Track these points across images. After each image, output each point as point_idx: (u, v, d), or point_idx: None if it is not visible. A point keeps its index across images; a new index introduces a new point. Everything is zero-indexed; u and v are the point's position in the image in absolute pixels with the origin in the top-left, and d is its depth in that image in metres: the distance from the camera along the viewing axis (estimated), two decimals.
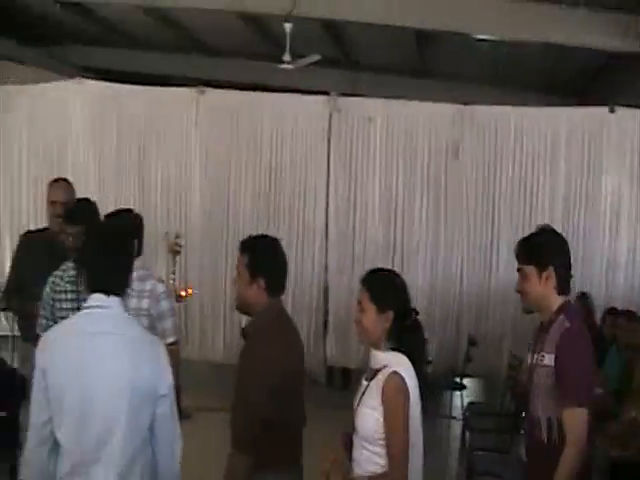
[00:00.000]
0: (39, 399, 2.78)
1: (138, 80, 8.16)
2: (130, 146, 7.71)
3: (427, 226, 7.37)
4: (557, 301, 3.27)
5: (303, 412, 3.36)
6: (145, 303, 4.08)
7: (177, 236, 7.01)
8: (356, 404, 2.96)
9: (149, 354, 2.89)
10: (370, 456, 2.88)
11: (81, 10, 9.80)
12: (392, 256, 7.46)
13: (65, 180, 5.22)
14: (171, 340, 4.08)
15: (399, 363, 2.92)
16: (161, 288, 4.18)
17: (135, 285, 4.12)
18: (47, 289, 4.33)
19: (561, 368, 3.12)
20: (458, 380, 7.10)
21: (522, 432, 3.54)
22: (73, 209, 4.44)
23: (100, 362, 2.77)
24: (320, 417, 3.31)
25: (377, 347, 2.98)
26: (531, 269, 3.26)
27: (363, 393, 2.94)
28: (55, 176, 7.56)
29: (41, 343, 2.84)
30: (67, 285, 4.33)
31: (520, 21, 7.77)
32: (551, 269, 3.23)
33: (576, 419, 3.07)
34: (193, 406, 4.00)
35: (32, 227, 5.83)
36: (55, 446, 2.79)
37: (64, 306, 4.30)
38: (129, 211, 4.55)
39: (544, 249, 3.29)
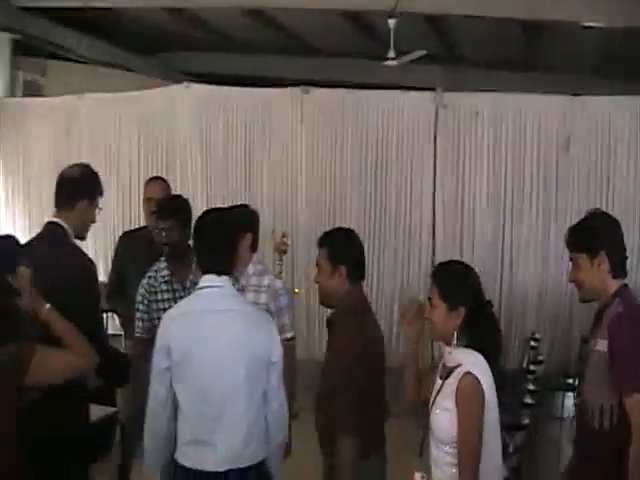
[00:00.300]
0: (161, 375, 3.00)
1: (240, 83, 8.26)
2: (236, 147, 7.79)
3: (537, 223, 7.12)
4: (613, 285, 3.12)
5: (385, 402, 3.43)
6: (263, 298, 4.11)
7: (284, 235, 7.02)
8: (430, 403, 2.90)
9: (261, 325, 3.16)
10: (445, 456, 2.82)
11: (184, 15, 9.99)
12: (501, 256, 7.24)
13: (161, 178, 5.28)
14: (289, 335, 4.17)
15: (473, 362, 2.81)
16: (279, 284, 4.24)
17: (253, 280, 4.16)
18: (142, 290, 4.37)
19: (615, 354, 2.97)
20: (570, 381, 6.84)
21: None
22: (165, 204, 4.47)
23: (218, 336, 3.00)
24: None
25: (449, 344, 2.89)
26: (582, 257, 3.13)
27: (438, 392, 2.87)
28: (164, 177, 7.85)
29: (162, 323, 3.10)
30: (162, 285, 4.36)
31: (632, 7, 7.43)
32: (603, 254, 3.09)
33: (638, 406, 2.90)
34: (300, 406, 3.96)
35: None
36: (176, 416, 3.04)
37: (160, 306, 4.33)
38: (246, 206, 4.58)
39: (593, 234, 3.15)
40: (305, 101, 7.61)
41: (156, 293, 4.35)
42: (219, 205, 7.27)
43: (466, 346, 2.86)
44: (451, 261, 3.24)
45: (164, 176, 7.75)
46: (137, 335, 4.41)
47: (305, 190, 7.59)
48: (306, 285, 7.41)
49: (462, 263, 3.13)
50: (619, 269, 3.15)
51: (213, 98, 7.85)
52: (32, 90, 9.48)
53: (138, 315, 4.38)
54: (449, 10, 8.25)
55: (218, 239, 3.12)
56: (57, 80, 9.65)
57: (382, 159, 7.41)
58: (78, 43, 9.96)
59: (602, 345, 3.02)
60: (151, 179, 5.35)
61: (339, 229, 3.66)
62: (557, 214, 7.11)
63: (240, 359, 3.00)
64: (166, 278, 4.36)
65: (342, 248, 3.39)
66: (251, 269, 4.20)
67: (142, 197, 5.19)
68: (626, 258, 3.20)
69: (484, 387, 2.77)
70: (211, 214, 3.33)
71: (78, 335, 2.77)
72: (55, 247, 3.46)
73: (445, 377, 2.87)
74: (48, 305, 2.79)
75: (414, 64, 9.65)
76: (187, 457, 3.03)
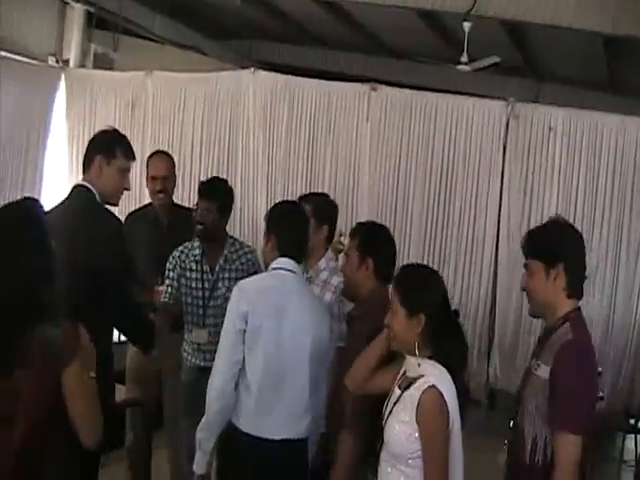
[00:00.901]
0: (234, 340, 3.20)
1: (310, 76, 8.11)
2: (299, 138, 7.62)
3: (607, 246, 6.78)
4: (565, 306, 2.86)
5: None
6: (328, 296, 3.96)
7: (340, 234, 6.83)
8: (386, 412, 2.72)
9: (324, 315, 3.42)
10: (396, 475, 2.64)
11: (261, 4, 9.89)
12: None
13: (166, 153, 5.15)
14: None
15: (437, 375, 2.62)
16: None
17: (323, 275, 3.99)
18: (173, 260, 4.29)
19: (557, 386, 2.72)
20: (633, 422, 6.49)
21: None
22: (208, 185, 4.39)
23: (291, 316, 3.23)
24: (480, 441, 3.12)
25: (411, 353, 2.70)
26: (538, 265, 2.85)
27: (395, 403, 2.69)
28: (226, 162, 7.79)
29: (238, 292, 3.29)
30: (192, 264, 4.28)
31: None
32: (560, 267, 2.81)
33: (568, 448, 2.67)
34: None
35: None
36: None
37: (187, 284, 4.26)
38: (325, 195, 4.48)
39: (554, 243, 2.87)
40: (372, 98, 7.40)
41: (185, 269, 4.30)
42: (279, 196, 7.20)
43: (429, 357, 2.67)
44: (416, 265, 3.09)
45: (225, 161, 7.77)
46: (164, 300, 4.35)
47: (367, 190, 7.38)
48: None
49: (427, 267, 2.99)
50: (575, 289, 2.89)
51: (279, 86, 7.70)
52: (103, 63, 9.48)
53: (167, 282, 4.35)
54: (528, 18, 7.94)
55: (302, 228, 3.38)
56: (128, 56, 9.64)
57: (448, 165, 7.17)
58: (152, 22, 9.96)
59: (544, 371, 2.78)
60: (155, 154, 5.18)
61: (374, 222, 3.63)
62: (629, 242, 6.76)
63: (307, 337, 3.24)
64: (197, 257, 4.31)
65: (373, 240, 3.30)
66: (323, 264, 4.07)
67: (146, 172, 5.00)
68: (584, 279, 2.93)
69: (448, 404, 2.58)
70: (294, 202, 3.69)
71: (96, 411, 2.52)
72: (81, 210, 3.35)
73: (405, 388, 2.68)
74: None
75: (486, 73, 9.40)
76: (248, 424, 3.22)
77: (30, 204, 2.60)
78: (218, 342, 3.53)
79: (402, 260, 7.07)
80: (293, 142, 7.64)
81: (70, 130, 8.31)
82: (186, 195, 7.86)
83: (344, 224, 7.30)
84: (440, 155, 7.18)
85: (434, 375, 2.61)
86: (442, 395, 2.57)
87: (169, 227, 4.90)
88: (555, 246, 2.84)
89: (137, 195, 6.70)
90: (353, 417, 3.02)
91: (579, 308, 2.89)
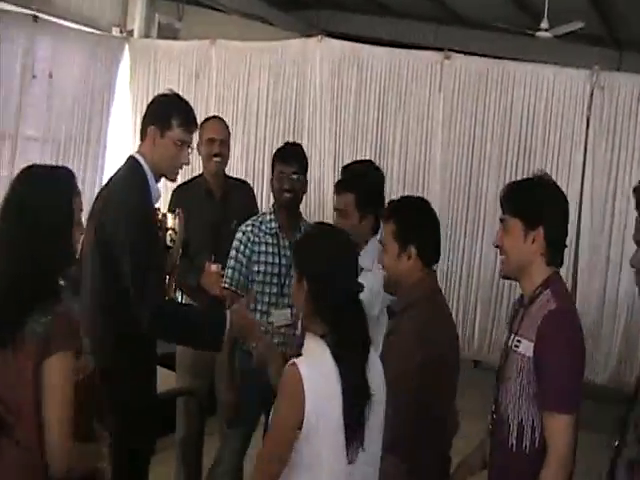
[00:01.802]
0: None
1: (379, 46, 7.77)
2: (368, 109, 7.30)
3: None
4: (543, 272, 2.56)
5: (456, 416, 3.01)
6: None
7: None
8: None
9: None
10: None
11: None
12: None
13: (220, 118, 4.85)
14: None
15: (310, 354, 2.30)
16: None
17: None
18: (241, 236, 3.93)
19: (543, 363, 2.44)
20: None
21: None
22: (291, 149, 4.06)
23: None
24: None
25: (308, 329, 2.37)
26: (517, 223, 2.57)
27: None
28: (292, 133, 7.55)
29: None
30: (268, 237, 3.94)
31: None
32: (540, 230, 2.53)
33: (560, 427, 2.41)
34: None
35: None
36: None
37: (262, 259, 3.90)
38: (371, 162, 4.12)
39: (537, 202, 2.57)
40: (445, 67, 7.03)
41: (259, 244, 3.94)
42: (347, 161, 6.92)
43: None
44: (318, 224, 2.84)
45: (291, 133, 7.53)
46: (226, 286, 4.01)
47: (439, 164, 7.03)
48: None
49: (323, 224, 2.78)
50: (555, 255, 2.60)
51: (347, 55, 7.38)
52: (167, 33, 9.36)
53: (231, 264, 3.94)
54: None
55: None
56: (193, 26, 9.49)
57: (526, 139, 6.75)
58: None
59: (526, 348, 2.48)
60: (211, 117, 4.87)
61: (410, 198, 3.15)
62: None
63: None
64: (274, 230, 3.95)
65: (414, 222, 2.88)
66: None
67: (198, 138, 4.63)
68: (564, 247, 2.64)
69: (308, 390, 2.19)
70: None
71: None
72: (118, 184, 3.07)
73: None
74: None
75: (565, 42, 8.92)
76: None
77: (65, 177, 2.36)
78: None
79: (477, 242, 6.81)
80: (361, 113, 7.32)
81: (134, 100, 8.17)
82: (250, 167, 7.70)
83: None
84: (518, 128, 6.77)
85: (307, 354, 2.29)
86: (300, 377, 2.19)
87: (222, 199, 4.58)
88: (538, 206, 2.54)
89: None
90: (398, 436, 2.62)
91: (557, 273, 2.61)
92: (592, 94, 6.55)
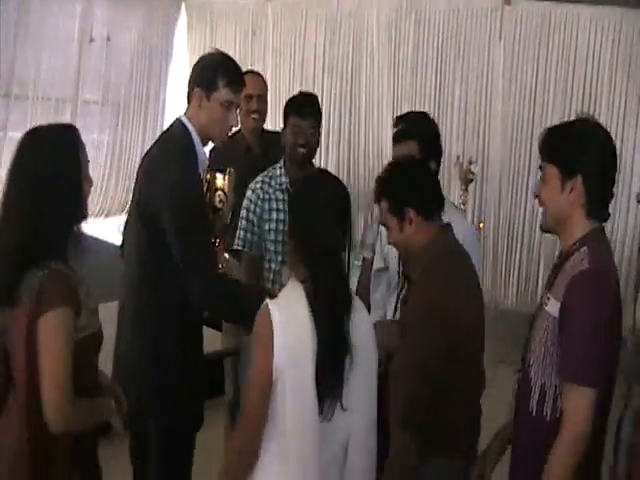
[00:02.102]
0: None
1: None
2: (426, 59, 7.17)
3: None
4: (582, 227, 2.27)
5: (483, 383, 2.76)
6: None
7: (470, 162, 6.39)
8: None
9: None
10: None
11: None
12: None
13: (256, 72, 4.63)
14: None
15: (285, 295, 2.19)
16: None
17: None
18: (251, 194, 3.76)
19: (565, 327, 2.18)
20: None
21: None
22: (306, 101, 3.81)
23: None
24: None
25: (292, 275, 2.26)
26: (553, 170, 2.28)
27: None
28: (349, 88, 7.46)
29: None
30: (278, 194, 3.75)
31: None
32: (579, 178, 2.23)
33: (578, 401, 2.14)
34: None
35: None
36: None
37: (273, 217, 3.74)
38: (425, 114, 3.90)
39: (574, 147, 2.26)
40: (506, 13, 6.82)
41: (269, 201, 3.68)
42: None
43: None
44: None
45: (348, 87, 7.44)
46: (238, 248, 3.87)
47: (500, 114, 6.86)
48: (494, 221, 6.81)
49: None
50: (596, 208, 2.29)
51: (404, 5, 7.23)
52: None
53: (242, 224, 3.69)
54: None
55: None
56: None
57: (591, 85, 6.51)
58: None
59: (553, 307, 2.24)
60: (248, 72, 4.65)
61: (390, 168, 2.84)
62: None
63: None
64: (284, 186, 3.75)
65: (401, 189, 2.66)
66: None
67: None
68: (610, 197, 2.34)
69: (277, 332, 2.10)
70: None
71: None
72: (162, 149, 2.95)
73: None
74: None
75: None
76: None
77: (69, 132, 2.32)
78: None
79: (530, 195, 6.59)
80: (419, 66, 7.20)
81: (191, 60, 8.15)
82: None
83: (475, 152, 6.87)
84: (582, 74, 6.54)
85: (282, 295, 2.19)
86: (271, 321, 2.10)
87: (263, 155, 4.44)
88: (575, 152, 2.27)
89: None
90: (413, 410, 2.47)
91: (602, 229, 2.33)
92: None
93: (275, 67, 7.67)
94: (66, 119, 6.73)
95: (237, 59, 8.13)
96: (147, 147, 3.01)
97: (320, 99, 7.45)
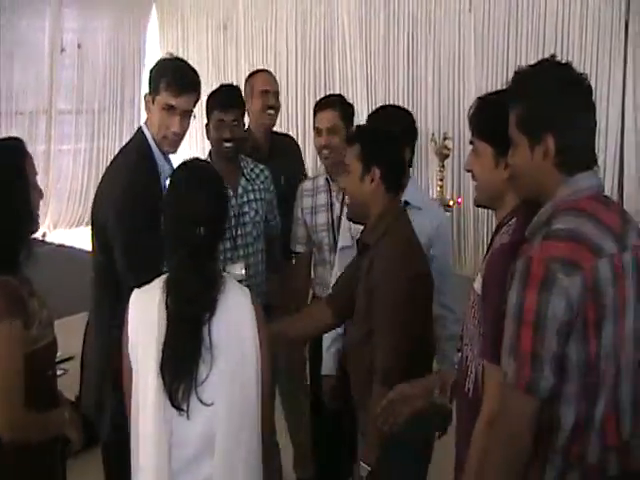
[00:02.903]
0: None
1: None
2: (398, 39, 7.15)
3: None
4: (516, 199, 2.15)
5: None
6: None
7: (445, 138, 6.38)
8: None
9: None
10: None
11: None
12: None
13: (269, 71, 4.62)
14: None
15: (147, 286, 2.19)
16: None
17: None
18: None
19: (483, 302, 2.06)
20: None
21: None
22: (226, 92, 3.74)
23: None
24: None
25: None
26: (486, 147, 2.18)
27: None
28: (322, 76, 7.44)
29: None
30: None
31: None
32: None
33: (493, 381, 1.98)
34: None
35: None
36: None
37: None
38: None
39: (505, 124, 2.07)
40: None
41: None
42: (380, 104, 6.80)
43: None
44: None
45: (322, 75, 7.43)
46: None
47: (474, 89, 6.83)
48: (473, 194, 6.75)
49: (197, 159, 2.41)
50: None
51: None
52: None
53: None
54: None
55: None
56: None
57: (562, 54, 6.40)
58: None
59: (478, 283, 2.13)
60: (260, 71, 4.66)
61: (376, 123, 2.92)
62: None
63: None
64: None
65: (378, 145, 2.66)
66: None
67: (249, 92, 4.47)
68: None
69: (130, 311, 2.15)
70: None
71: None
72: (115, 159, 2.90)
73: None
74: None
75: None
76: None
77: (13, 144, 2.33)
78: (253, 277, 3.31)
79: None
80: (392, 46, 7.18)
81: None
82: (284, 115, 7.64)
83: (451, 126, 6.84)
84: (553, 43, 6.48)
85: (145, 287, 2.19)
86: (129, 304, 2.14)
87: (270, 154, 4.44)
88: (507, 129, 2.08)
89: None
90: (391, 368, 2.53)
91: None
92: None
93: (248, 60, 7.67)
94: (41, 131, 6.76)
95: (210, 54, 8.18)
96: None
97: (295, 88, 7.50)
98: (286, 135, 4.77)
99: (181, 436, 2.05)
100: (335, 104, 3.61)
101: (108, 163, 3.07)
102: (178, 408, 2.03)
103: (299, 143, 6.95)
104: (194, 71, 2.96)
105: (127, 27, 7.78)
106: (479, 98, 2.24)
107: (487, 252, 2.23)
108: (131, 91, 7.79)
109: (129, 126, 7.64)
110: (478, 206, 2.40)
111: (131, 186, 2.72)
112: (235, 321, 2.16)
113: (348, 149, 2.68)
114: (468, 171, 2.27)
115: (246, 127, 4.09)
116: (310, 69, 7.57)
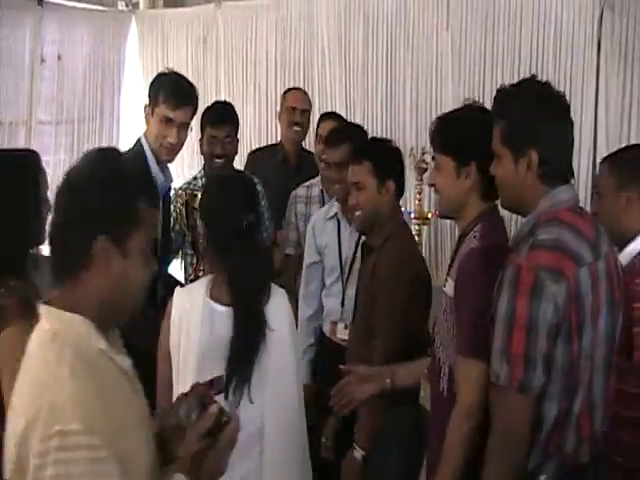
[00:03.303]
0: None
1: None
2: (377, 56, 7.25)
3: None
4: (478, 208, 2.41)
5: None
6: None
7: (423, 152, 6.47)
8: None
9: None
10: None
11: None
12: None
13: (302, 90, 4.77)
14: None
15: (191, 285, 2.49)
16: None
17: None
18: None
19: (457, 303, 2.28)
20: None
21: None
22: (221, 109, 3.87)
23: None
24: None
25: None
26: (446, 160, 2.42)
27: None
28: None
29: None
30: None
31: None
32: (473, 166, 2.38)
33: (467, 373, 2.18)
34: None
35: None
36: None
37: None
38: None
39: (466, 136, 2.39)
40: (452, 4, 6.91)
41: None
42: (358, 118, 6.91)
43: None
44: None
45: (302, 86, 7.50)
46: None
47: (451, 104, 6.90)
48: None
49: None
50: (491, 190, 2.41)
51: (352, 3, 7.31)
52: (174, 2, 9.29)
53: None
54: None
55: None
56: None
57: (536, 67, 6.48)
58: None
59: (450, 287, 2.32)
60: (293, 89, 4.82)
61: (374, 139, 3.28)
62: None
63: None
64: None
65: (390, 160, 2.90)
66: None
67: (280, 107, 4.61)
68: None
69: (173, 309, 2.36)
70: None
71: None
72: None
73: None
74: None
75: None
76: None
77: (29, 157, 2.42)
78: None
79: None
80: (370, 60, 7.28)
81: (144, 73, 8.19)
82: (264, 128, 7.71)
83: (429, 141, 6.90)
84: (528, 60, 6.63)
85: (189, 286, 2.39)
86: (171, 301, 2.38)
87: (297, 169, 4.56)
88: (465, 141, 2.37)
89: None
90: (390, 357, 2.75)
91: (495, 207, 2.43)
92: (602, 16, 6.34)
93: (228, 74, 7.74)
94: (20, 142, 6.75)
95: (189, 67, 8.23)
96: None
97: (274, 104, 7.62)
98: (310, 152, 4.86)
99: None
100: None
101: None
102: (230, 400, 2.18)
103: None
104: (191, 85, 3.10)
105: (107, 39, 7.81)
106: (438, 117, 2.45)
107: (452, 260, 2.38)
108: (110, 102, 7.83)
109: (108, 137, 7.67)
110: (441, 217, 2.60)
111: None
112: (279, 309, 2.26)
113: (355, 167, 2.83)
114: (431, 185, 2.46)
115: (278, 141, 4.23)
116: (290, 83, 7.65)
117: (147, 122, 3.04)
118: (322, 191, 3.88)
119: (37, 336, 1.63)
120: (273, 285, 2.38)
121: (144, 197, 1.71)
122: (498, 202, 2.43)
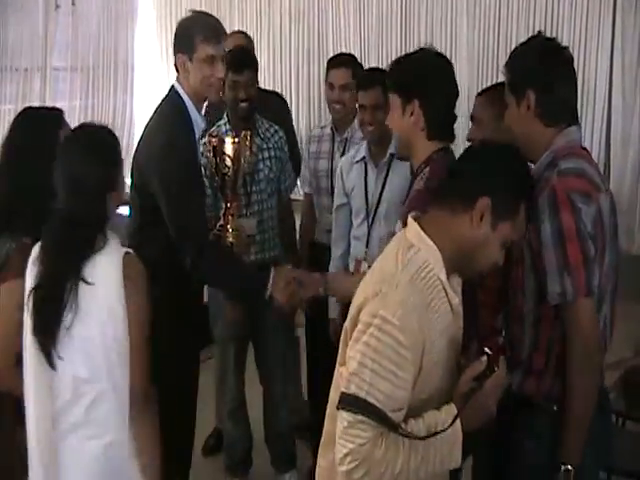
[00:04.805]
0: None
1: None
2: (392, 3, 7.24)
3: None
4: (426, 148, 2.37)
5: None
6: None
7: None
8: None
9: None
10: None
11: None
12: None
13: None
14: None
15: None
16: None
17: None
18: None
19: None
20: None
21: None
22: (240, 54, 3.81)
23: None
24: None
25: None
26: (395, 98, 2.39)
27: None
28: (316, 37, 7.53)
29: None
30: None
31: None
32: (416, 103, 2.33)
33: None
34: None
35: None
36: None
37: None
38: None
39: (410, 74, 2.36)
40: None
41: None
42: (373, 61, 6.96)
43: None
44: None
45: (316, 30, 7.53)
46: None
47: (465, 49, 6.97)
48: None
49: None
50: (438, 130, 2.37)
51: None
52: None
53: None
54: None
55: None
56: None
57: (552, 13, 6.57)
58: None
59: (398, 228, 2.26)
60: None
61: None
62: None
63: None
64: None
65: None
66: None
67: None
68: (450, 121, 2.42)
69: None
70: None
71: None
72: (155, 118, 2.97)
73: None
74: None
75: None
76: None
77: (52, 114, 2.52)
78: (265, 231, 3.55)
79: None
80: (385, 10, 7.29)
81: (158, 18, 8.18)
82: (278, 76, 7.72)
83: None
84: (543, 9, 6.60)
85: None
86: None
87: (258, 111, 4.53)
88: (410, 79, 2.36)
89: None
90: None
91: (447, 149, 2.41)
92: None
93: (242, 25, 7.70)
94: (36, 88, 6.77)
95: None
96: (118, 110, 3.11)
97: (288, 49, 7.58)
98: (273, 92, 4.87)
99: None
100: (348, 63, 3.76)
101: (103, 120, 3.17)
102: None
103: (293, 102, 7.09)
104: (216, 18, 3.09)
105: None
106: (394, 60, 2.46)
107: (403, 202, 2.44)
108: (124, 49, 7.80)
109: (122, 84, 7.67)
110: (399, 159, 2.61)
111: (175, 138, 2.84)
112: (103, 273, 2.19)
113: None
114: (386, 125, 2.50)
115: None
116: (303, 33, 7.68)
117: (184, 70, 2.99)
118: (332, 129, 3.91)
119: (398, 237, 1.92)
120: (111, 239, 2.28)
121: None
122: (451, 144, 2.45)
